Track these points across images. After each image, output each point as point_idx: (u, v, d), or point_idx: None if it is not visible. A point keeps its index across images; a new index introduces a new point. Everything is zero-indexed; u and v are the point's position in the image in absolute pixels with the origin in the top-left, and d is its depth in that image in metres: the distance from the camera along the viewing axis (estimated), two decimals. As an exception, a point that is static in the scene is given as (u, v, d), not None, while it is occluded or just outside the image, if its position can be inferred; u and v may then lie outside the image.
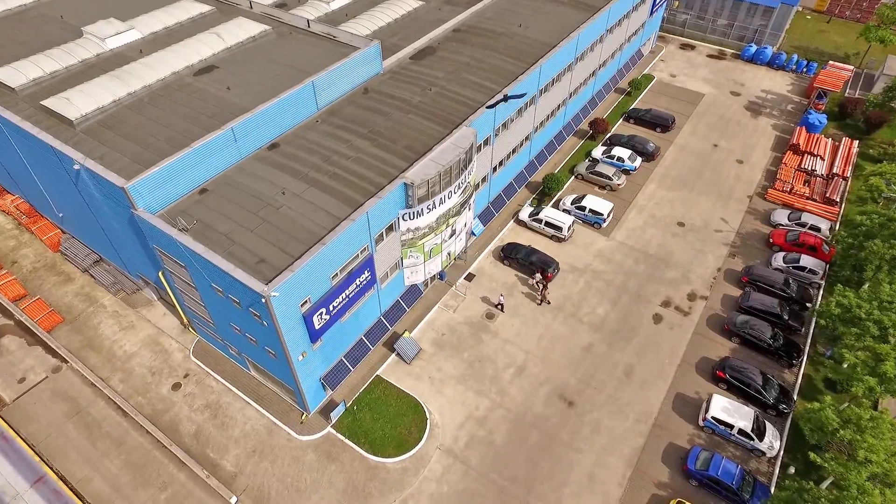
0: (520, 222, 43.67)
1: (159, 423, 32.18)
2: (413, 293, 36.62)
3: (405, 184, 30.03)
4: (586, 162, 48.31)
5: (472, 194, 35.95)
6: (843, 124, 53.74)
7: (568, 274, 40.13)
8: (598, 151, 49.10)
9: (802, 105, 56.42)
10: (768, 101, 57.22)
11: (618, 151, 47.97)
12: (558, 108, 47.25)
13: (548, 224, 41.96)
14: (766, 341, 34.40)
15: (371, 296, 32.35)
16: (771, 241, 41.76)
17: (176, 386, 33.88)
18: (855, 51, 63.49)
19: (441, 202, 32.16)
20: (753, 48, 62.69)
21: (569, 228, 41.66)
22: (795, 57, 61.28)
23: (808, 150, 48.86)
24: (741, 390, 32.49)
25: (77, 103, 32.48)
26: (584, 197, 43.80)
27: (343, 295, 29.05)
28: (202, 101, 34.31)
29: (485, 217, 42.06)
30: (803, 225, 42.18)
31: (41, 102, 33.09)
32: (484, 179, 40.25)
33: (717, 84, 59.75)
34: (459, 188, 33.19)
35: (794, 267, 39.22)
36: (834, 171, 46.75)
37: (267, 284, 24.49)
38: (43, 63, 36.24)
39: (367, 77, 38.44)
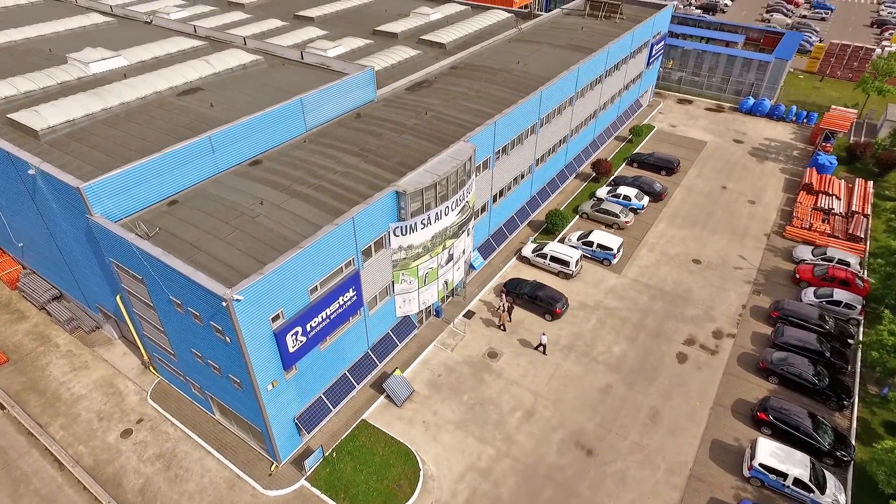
0: (523, 259, 40.35)
1: (100, 476, 26.95)
2: (406, 327, 32.53)
3: (397, 192, 27.04)
4: (591, 201, 45.85)
5: (471, 217, 32.92)
6: (852, 168, 52.04)
7: (578, 311, 36.25)
8: (602, 191, 46.79)
9: (808, 151, 55.07)
10: (773, 148, 55.94)
11: (624, 190, 45.63)
12: (560, 144, 45.44)
13: (553, 259, 38.60)
14: (809, 380, 29.99)
15: (357, 322, 28.34)
16: (797, 276, 38.29)
17: (126, 433, 28.90)
18: (853, 102, 63.33)
19: (437, 218, 29.03)
20: (751, 100, 62.52)
21: (576, 263, 38.27)
22: (794, 108, 60.91)
23: (822, 189, 46.69)
24: (788, 434, 27.70)
25: (45, 115, 30.18)
26: (590, 232, 40.79)
27: (323, 314, 25.12)
28: (182, 115, 32.13)
29: (485, 250, 38.76)
30: (830, 259, 38.91)
31: (7, 115, 30.81)
32: (484, 209, 37.39)
33: (718, 133, 58.85)
34: (457, 205, 30.21)
35: (827, 302, 35.48)
36: (853, 210, 44.24)
37: (230, 288, 20.73)
38: (18, 83, 34.44)
39: (360, 103, 36.67)
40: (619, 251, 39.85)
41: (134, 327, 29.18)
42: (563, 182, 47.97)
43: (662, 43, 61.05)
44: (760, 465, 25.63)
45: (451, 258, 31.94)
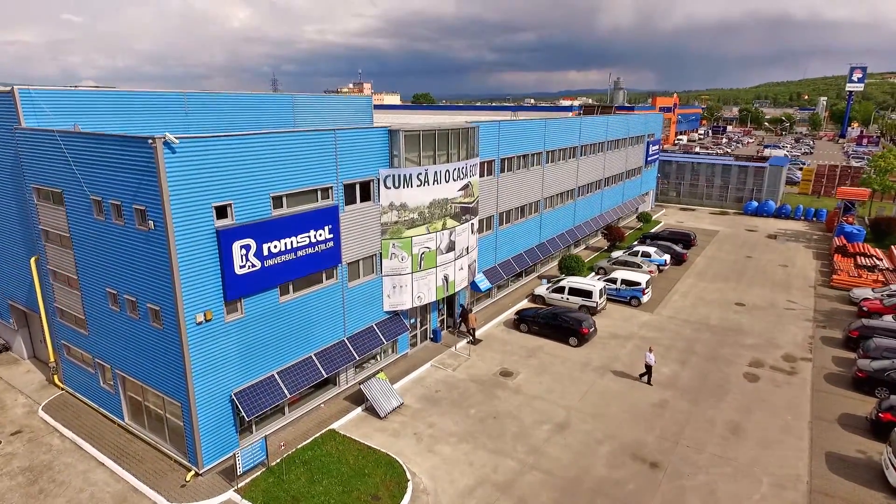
0: (537, 299, 34.40)
1: (-73, 490, 18.01)
2: (395, 326, 25.45)
3: (389, 130, 23.23)
4: (609, 259, 41.28)
5: (475, 210, 28.34)
6: (880, 244, 48.46)
7: (608, 340, 29.37)
8: (618, 253, 42.43)
9: (827, 237, 52.09)
10: (790, 234, 53.10)
11: (643, 248, 41.36)
12: (568, 197, 42.38)
13: (573, 292, 32.78)
14: (933, 385, 22.50)
15: (332, 287, 21.96)
16: (865, 310, 32.13)
17: (-9, 444, 20.37)
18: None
19: (435, 180, 24.67)
20: (755, 203, 61.67)
21: (600, 294, 32.38)
22: (801, 206, 59.71)
23: (857, 251, 42.58)
24: (935, 439, 19.47)
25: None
26: (613, 271, 35.56)
27: (287, 243, 19.27)
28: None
29: (492, 277, 32.95)
30: (898, 292, 33.15)
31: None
32: (489, 225, 32.78)
33: (728, 226, 56.61)
34: (459, 177, 26.05)
35: (913, 324, 28.98)
36: (900, 264, 39.63)
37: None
38: None
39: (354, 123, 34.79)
40: (647, 288, 34.16)
41: (44, 301, 22.62)
42: (573, 239, 43.67)
43: (658, 147, 62.37)
44: (915, 458, 17.27)
45: (451, 246, 26.55)
